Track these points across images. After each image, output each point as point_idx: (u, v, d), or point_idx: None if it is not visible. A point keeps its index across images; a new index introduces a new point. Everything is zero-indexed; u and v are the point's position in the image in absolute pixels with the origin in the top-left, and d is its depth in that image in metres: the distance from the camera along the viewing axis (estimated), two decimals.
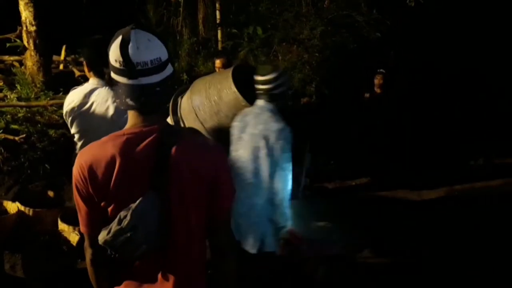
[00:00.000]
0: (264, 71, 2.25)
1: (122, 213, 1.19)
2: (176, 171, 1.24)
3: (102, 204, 1.25)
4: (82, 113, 2.43)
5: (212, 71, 4.58)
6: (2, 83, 5.08)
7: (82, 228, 1.31)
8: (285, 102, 2.34)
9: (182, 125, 2.76)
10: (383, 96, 5.02)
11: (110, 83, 1.26)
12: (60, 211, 3.28)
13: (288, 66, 5.92)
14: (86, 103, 2.42)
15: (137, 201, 1.19)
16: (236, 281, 1.40)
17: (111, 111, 2.35)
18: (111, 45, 1.22)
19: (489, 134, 5.47)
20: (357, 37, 5.86)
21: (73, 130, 2.51)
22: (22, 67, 5.28)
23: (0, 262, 3.02)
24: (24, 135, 4.07)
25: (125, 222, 1.17)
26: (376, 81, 5.03)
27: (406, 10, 5.68)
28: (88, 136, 2.40)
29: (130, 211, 1.18)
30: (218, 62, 3.98)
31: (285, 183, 2.17)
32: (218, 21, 6.75)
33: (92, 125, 2.40)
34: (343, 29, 5.95)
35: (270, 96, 2.23)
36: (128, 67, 1.19)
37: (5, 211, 3.38)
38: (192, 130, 1.38)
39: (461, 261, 3.35)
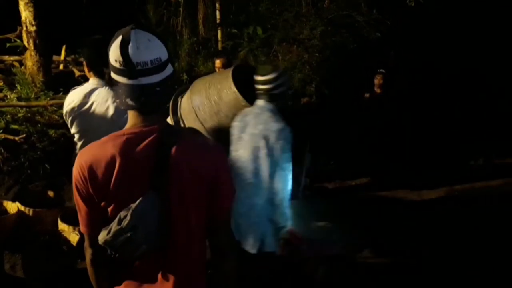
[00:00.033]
0: (264, 71, 2.25)
1: (122, 213, 1.19)
2: (176, 171, 1.24)
3: (102, 204, 1.25)
4: (82, 113, 2.43)
5: (212, 71, 4.59)
6: (2, 83, 5.08)
7: (82, 228, 1.31)
8: (285, 102, 2.34)
9: (182, 125, 2.76)
10: (383, 96, 5.02)
11: (110, 83, 1.26)
12: (60, 211, 3.28)
13: (288, 66, 5.92)
14: (86, 103, 2.42)
15: (137, 201, 1.19)
16: (236, 281, 1.40)
17: (111, 111, 2.35)
18: (111, 45, 1.22)
19: (489, 134, 5.47)
20: (357, 37, 5.86)
21: (73, 130, 2.51)
22: (22, 67, 5.28)
23: (0, 262, 3.02)
24: (24, 135, 4.07)
25: (125, 222, 1.17)
26: (376, 81, 5.03)
27: (406, 10, 5.68)
28: (88, 136, 2.40)
29: (130, 211, 1.18)
30: (218, 62, 3.98)
31: (285, 183, 2.17)
32: (218, 21, 6.75)
33: (92, 125, 2.40)
34: (343, 29, 5.95)
35: (270, 96, 2.23)
36: (128, 67, 1.19)
37: (5, 211, 3.38)
38: (192, 130, 1.38)
39: (461, 261, 3.35)
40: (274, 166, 2.16)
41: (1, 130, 4.07)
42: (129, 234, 1.17)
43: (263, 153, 2.17)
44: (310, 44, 5.95)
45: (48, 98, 4.58)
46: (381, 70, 5.07)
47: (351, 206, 3.99)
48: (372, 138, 4.83)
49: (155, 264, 1.31)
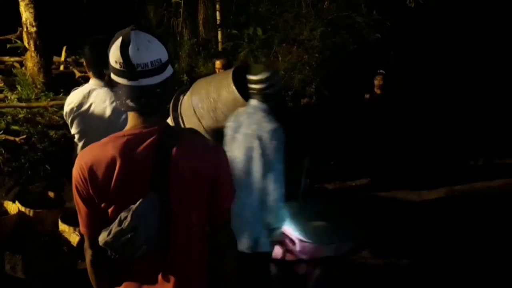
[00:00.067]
0: (256, 71, 2.24)
1: (123, 214, 1.19)
2: (176, 171, 1.24)
3: (102, 205, 1.26)
4: (81, 113, 2.43)
5: (212, 72, 4.59)
6: (2, 84, 5.08)
7: (82, 229, 1.32)
8: (278, 102, 2.33)
9: (180, 120, 2.82)
10: (383, 97, 5.03)
11: (110, 84, 1.27)
12: (60, 211, 3.28)
13: (288, 67, 5.93)
14: (85, 103, 2.43)
15: (138, 202, 1.20)
16: (236, 281, 1.40)
17: (108, 112, 2.36)
18: (111, 46, 1.22)
19: (489, 133, 5.47)
20: (357, 38, 5.86)
21: (73, 131, 2.52)
22: (23, 68, 5.29)
23: (0, 262, 3.03)
24: (24, 136, 4.07)
25: (125, 223, 1.18)
26: (376, 82, 5.03)
27: (406, 11, 5.68)
28: (88, 137, 2.41)
29: (131, 212, 1.18)
30: (218, 63, 3.98)
31: (278, 183, 2.15)
32: (218, 22, 6.75)
33: (91, 125, 2.41)
34: (343, 30, 5.95)
35: (263, 96, 2.22)
36: (128, 68, 1.19)
37: (5, 211, 3.38)
38: (192, 131, 1.38)
39: (461, 261, 3.35)
40: (267, 167, 2.15)
41: (2, 131, 4.08)
42: (129, 235, 1.18)
43: (256, 153, 2.16)
44: (310, 45, 5.95)
45: (49, 99, 4.59)
46: (381, 71, 5.07)
47: (351, 206, 3.99)
48: (372, 138, 4.83)
49: (155, 264, 1.31)
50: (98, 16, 6.63)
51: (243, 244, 2.19)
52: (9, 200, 3.51)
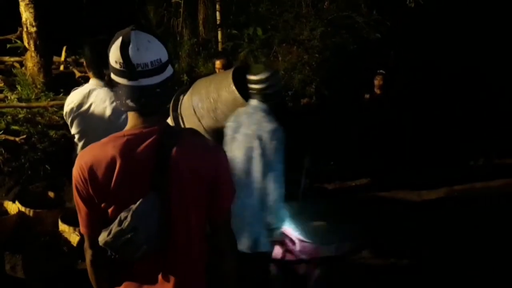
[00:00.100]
0: (256, 71, 2.24)
1: (123, 214, 1.19)
2: (176, 171, 1.24)
3: (102, 205, 1.26)
4: (81, 113, 2.43)
5: (212, 72, 4.59)
6: (2, 84, 5.08)
7: (82, 229, 1.32)
8: (278, 102, 2.33)
9: (180, 120, 2.84)
10: (383, 97, 5.03)
11: (110, 84, 1.27)
12: (60, 211, 3.28)
13: (288, 67, 5.93)
14: (85, 103, 2.43)
15: (138, 202, 1.20)
16: (236, 281, 1.40)
17: (108, 112, 2.36)
18: (111, 46, 1.22)
19: (489, 133, 5.47)
20: (357, 38, 5.86)
21: (73, 131, 2.52)
22: (23, 68, 5.29)
23: (0, 262, 3.03)
24: (24, 136, 4.07)
25: (125, 223, 1.18)
26: (376, 82, 5.04)
27: (406, 11, 5.68)
28: (88, 137, 2.41)
29: (131, 212, 1.18)
30: (218, 63, 3.98)
31: (278, 183, 2.15)
32: (218, 22, 6.75)
33: (91, 125, 2.41)
34: (343, 30, 5.95)
35: (263, 96, 2.23)
36: (128, 68, 1.19)
37: (5, 211, 3.38)
38: (192, 131, 1.38)
39: (461, 261, 3.35)
40: (267, 167, 2.15)
41: (2, 131, 4.07)
42: (129, 235, 1.18)
43: (256, 153, 2.16)
44: (310, 45, 5.95)
45: (49, 99, 4.59)
46: (381, 71, 5.07)
47: (351, 206, 3.99)
48: (372, 138, 4.83)
49: (155, 264, 1.31)
50: (98, 16, 6.63)
51: (243, 244, 2.19)
52: (9, 200, 3.51)
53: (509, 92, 5.93)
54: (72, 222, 3.03)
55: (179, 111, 2.87)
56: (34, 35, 5.03)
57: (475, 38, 6.18)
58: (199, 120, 2.74)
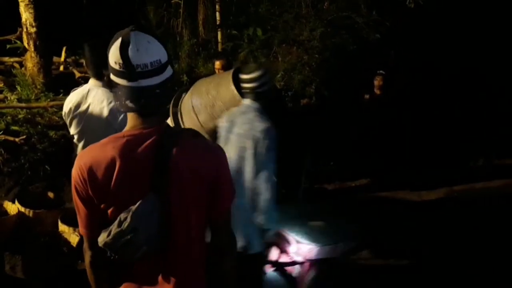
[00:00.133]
0: (248, 70, 2.24)
1: (122, 215, 1.19)
2: (176, 172, 1.24)
3: (101, 206, 1.25)
4: (79, 114, 2.44)
5: (212, 72, 4.58)
6: (2, 84, 5.08)
7: (81, 229, 1.31)
8: (272, 101, 2.31)
9: (179, 116, 2.92)
10: (383, 97, 5.03)
11: (110, 85, 1.26)
12: (60, 212, 3.28)
13: (288, 67, 5.93)
14: (84, 104, 2.43)
15: (137, 203, 1.20)
16: (236, 281, 1.40)
17: (105, 113, 2.36)
18: (110, 47, 1.22)
19: (489, 134, 5.47)
20: (356, 38, 5.86)
21: (72, 131, 2.52)
22: (23, 69, 5.29)
23: (0, 263, 3.03)
24: (24, 136, 4.07)
25: (125, 224, 1.17)
26: (375, 83, 5.04)
27: (405, 11, 5.68)
28: (87, 137, 2.41)
29: (130, 213, 1.18)
30: (218, 64, 3.98)
31: (270, 183, 2.13)
32: (218, 23, 6.75)
33: (90, 126, 2.42)
34: (342, 30, 5.95)
35: (255, 94, 2.22)
36: (128, 69, 1.19)
37: (5, 212, 3.38)
38: (192, 132, 1.38)
39: (461, 261, 3.36)
40: (259, 166, 2.13)
41: (2, 132, 4.07)
42: (129, 236, 1.17)
43: (248, 153, 2.14)
44: (310, 46, 5.95)
45: (49, 100, 4.59)
46: (381, 71, 5.07)
47: (351, 206, 3.99)
48: (371, 139, 4.83)
49: (155, 265, 1.31)
50: (98, 16, 6.63)
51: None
52: (9, 200, 3.50)
53: (508, 93, 5.93)
54: (72, 222, 3.03)
55: (179, 107, 2.95)
56: (34, 35, 5.03)
57: (474, 38, 6.18)
58: (196, 116, 2.80)
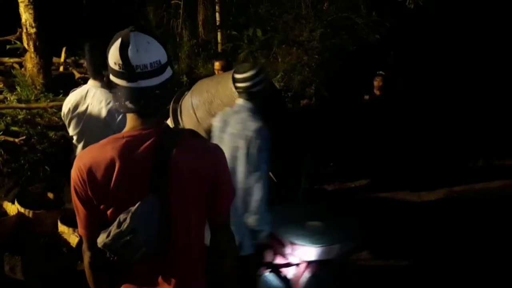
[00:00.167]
0: (242, 69, 2.22)
1: (122, 216, 1.19)
2: (176, 172, 1.24)
3: (101, 207, 1.25)
4: (78, 114, 2.44)
5: (211, 73, 4.59)
6: (2, 85, 5.08)
7: (81, 230, 1.31)
8: (266, 101, 2.28)
9: (179, 111, 2.99)
10: (383, 98, 5.03)
11: (109, 86, 1.26)
12: (60, 213, 3.28)
13: (287, 68, 5.94)
14: (83, 104, 2.43)
15: (137, 204, 1.19)
16: (235, 281, 1.40)
17: (103, 113, 2.36)
18: (110, 47, 1.22)
19: (489, 134, 5.48)
20: (356, 39, 5.87)
21: (71, 132, 2.52)
22: (22, 69, 5.29)
23: (0, 263, 3.02)
24: (24, 137, 4.07)
25: (124, 225, 1.17)
26: (375, 83, 5.04)
27: (405, 12, 5.69)
28: (86, 138, 2.41)
29: (130, 214, 1.18)
30: (217, 64, 3.97)
31: (261, 183, 2.10)
32: (218, 23, 6.76)
33: (89, 126, 2.42)
34: (342, 31, 5.95)
35: (248, 94, 2.19)
36: (128, 70, 1.19)
37: (5, 213, 3.38)
38: (192, 132, 1.38)
39: (461, 261, 3.36)
40: (252, 166, 2.11)
41: (1, 132, 4.07)
42: (128, 237, 1.17)
43: (241, 153, 2.12)
44: (309, 46, 5.96)
45: (48, 100, 4.59)
46: (381, 72, 5.07)
47: (350, 207, 3.99)
48: (371, 139, 4.83)
49: (155, 266, 1.31)
50: (98, 17, 6.64)
51: None
52: (9, 201, 3.50)
53: (508, 93, 5.93)
54: (72, 223, 3.03)
55: (179, 104, 3.01)
56: (33, 36, 5.03)
57: (474, 39, 6.18)
58: (195, 113, 2.84)
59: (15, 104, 4.56)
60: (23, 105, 4.49)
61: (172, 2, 6.95)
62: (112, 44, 1.21)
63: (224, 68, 3.82)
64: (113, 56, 1.20)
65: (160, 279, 1.31)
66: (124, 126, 1.29)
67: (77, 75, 5.62)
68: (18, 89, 4.86)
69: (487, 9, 6.20)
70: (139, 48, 1.18)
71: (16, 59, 5.60)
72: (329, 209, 3.54)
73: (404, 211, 4.18)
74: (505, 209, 4.08)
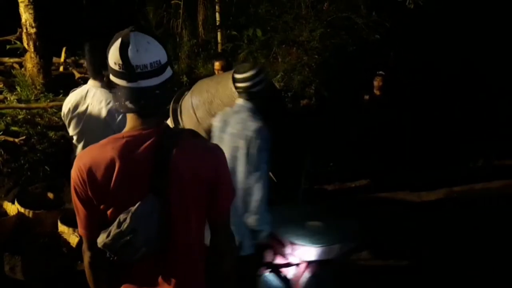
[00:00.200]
0: (242, 69, 2.22)
1: (122, 216, 1.19)
2: (176, 172, 1.24)
3: (101, 207, 1.25)
4: (78, 114, 2.44)
5: (211, 73, 4.59)
6: (2, 85, 5.08)
7: (81, 230, 1.31)
8: (266, 101, 2.28)
9: (179, 111, 2.99)
10: (383, 98, 5.03)
11: (109, 86, 1.26)
12: (60, 212, 3.28)
13: (287, 68, 5.94)
14: (83, 104, 2.43)
15: (137, 204, 1.19)
16: (235, 281, 1.40)
17: (103, 113, 2.36)
18: (110, 47, 1.22)
19: (488, 134, 5.48)
20: (356, 39, 5.87)
21: (71, 132, 2.52)
22: (22, 69, 5.29)
23: (0, 264, 3.03)
24: (24, 137, 4.07)
25: (124, 225, 1.17)
26: (375, 83, 5.04)
27: (405, 12, 5.69)
28: (86, 138, 2.41)
29: (130, 214, 1.18)
30: (217, 64, 3.98)
31: (261, 183, 2.10)
32: (218, 23, 6.76)
33: (89, 126, 2.42)
34: (342, 31, 5.96)
35: (248, 94, 2.19)
36: (128, 70, 1.19)
37: (5, 213, 3.38)
38: (192, 132, 1.38)
39: (461, 261, 3.36)
40: (251, 166, 2.10)
41: (1, 132, 4.07)
42: (128, 237, 1.17)
43: (241, 153, 2.12)
44: (309, 46, 5.96)
45: (48, 100, 4.59)
46: (381, 72, 5.07)
47: (350, 207, 3.99)
48: (371, 139, 4.83)
49: (155, 266, 1.31)
50: (98, 17, 6.64)
51: None
52: (9, 201, 3.50)
53: (508, 94, 5.93)
54: (72, 223, 3.03)
55: (179, 104, 3.02)
56: (33, 36, 5.03)
57: (474, 39, 6.18)
58: (195, 113, 2.85)
59: (15, 104, 4.56)
60: (23, 105, 4.49)
61: (172, 2, 6.95)
62: (112, 44, 1.21)
63: (224, 68, 3.82)
64: (113, 56, 1.20)
65: (160, 279, 1.31)
66: (124, 126, 1.29)
67: (77, 75, 5.62)
68: (18, 89, 4.86)
69: (487, 9, 6.20)
70: (139, 48, 1.18)
71: (16, 59, 5.61)
72: (329, 209, 3.53)
73: (404, 211, 4.18)
74: (505, 209, 4.08)
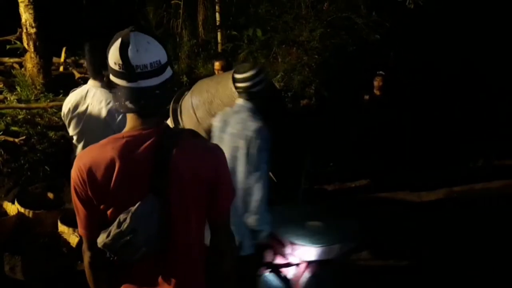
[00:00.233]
0: (242, 69, 2.22)
1: (122, 216, 1.19)
2: (176, 172, 1.24)
3: (101, 207, 1.25)
4: (78, 114, 2.44)
5: (212, 73, 4.59)
6: (2, 85, 5.08)
7: (81, 230, 1.31)
8: (266, 101, 2.27)
9: (179, 111, 3.00)
10: (383, 98, 5.03)
11: (109, 86, 1.26)
12: (60, 212, 3.28)
13: (287, 68, 5.94)
14: (83, 104, 2.43)
15: (137, 204, 1.19)
16: (235, 281, 1.40)
17: (103, 113, 2.36)
18: (110, 47, 1.22)
19: (489, 134, 5.48)
20: (356, 39, 5.87)
21: (71, 132, 2.52)
22: (22, 69, 5.29)
23: (0, 263, 3.03)
24: (24, 137, 4.07)
25: (124, 225, 1.17)
26: (375, 83, 5.04)
27: (405, 12, 5.69)
28: (86, 138, 2.41)
29: (130, 214, 1.18)
30: (217, 64, 3.98)
31: (262, 183, 2.10)
32: (218, 23, 6.76)
33: (89, 126, 2.42)
34: (342, 31, 5.96)
35: (248, 94, 2.19)
36: (128, 70, 1.19)
37: (5, 213, 3.38)
38: (192, 132, 1.38)
39: (461, 261, 3.36)
40: (251, 166, 2.10)
41: (1, 132, 4.07)
42: (128, 237, 1.17)
43: (241, 152, 2.12)
44: (309, 46, 5.96)
45: (48, 100, 4.59)
46: (381, 72, 5.07)
47: (350, 207, 3.99)
48: (371, 139, 4.84)
49: (155, 266, 1.31)
50: (98, 17, 6.64)
51: None
52: (9, 201, 3.50)
53: (508, 94, 5.93)
54: (72, 223, 3.03)
55: (179, 104, 3.02)
56: (33, 36, 5.03)
57: (474, 39, 6.18)
58: (195, 113, 2.85)
59: (15, 104, 4.56)
60: (23, 105, 4.49)
61: (172, 2, 6.95)
62: (112, 44, 1.21)
63: (224, 68, 3.82)
64: (113, 56, 1.20)
65: (160, 279, 1.31)
66: (124, 126, 1.29)
67: (77, 75, 5.62)
68: (18, 89, 4.86)
69: (487, 9, 6.20)
70: (139, 48, 1.18)
71: (16, 59, 5.61)
72: (329, 209, 3.54)
73: (404, 211, 4.18)
74: (505, 209, 4.08)
